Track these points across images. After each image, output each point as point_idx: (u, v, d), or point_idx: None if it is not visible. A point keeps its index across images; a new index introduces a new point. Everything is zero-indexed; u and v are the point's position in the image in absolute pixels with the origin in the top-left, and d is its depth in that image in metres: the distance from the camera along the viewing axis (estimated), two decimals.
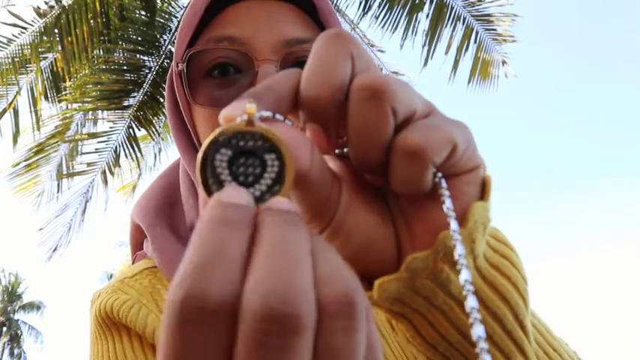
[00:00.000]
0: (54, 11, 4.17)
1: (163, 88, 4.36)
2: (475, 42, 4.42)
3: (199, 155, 0.20)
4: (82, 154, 4.55)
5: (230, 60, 0.46)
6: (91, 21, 4.16)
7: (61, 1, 4.18)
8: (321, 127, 0.24)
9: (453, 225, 0.23)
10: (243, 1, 0.49)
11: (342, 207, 0.25)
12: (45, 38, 4.23)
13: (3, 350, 20.25)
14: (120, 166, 4.58)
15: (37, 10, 4.19)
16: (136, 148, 4.49)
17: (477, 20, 4.38)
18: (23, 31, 4.24)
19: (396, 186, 0.24)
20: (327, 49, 0.23)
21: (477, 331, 0.19)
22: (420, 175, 0.23)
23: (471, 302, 0.20)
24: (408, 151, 0.22)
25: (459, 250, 0.22)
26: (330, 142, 0.24)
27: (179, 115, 0.52)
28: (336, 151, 0.26)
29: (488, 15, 4.39)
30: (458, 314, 0.25)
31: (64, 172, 4.57)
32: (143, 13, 4.45)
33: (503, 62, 4.46)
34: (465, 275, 0.21)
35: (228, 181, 0.20)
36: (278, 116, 0.22)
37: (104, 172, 4.53)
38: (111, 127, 4.44)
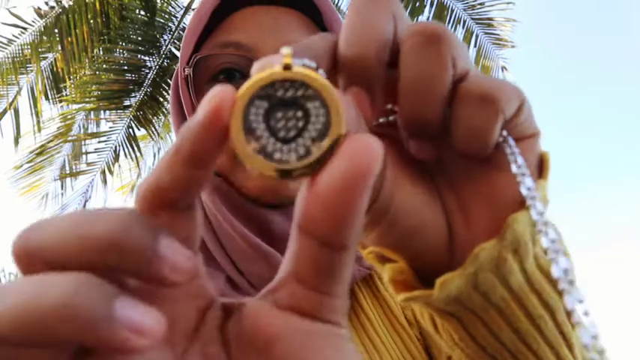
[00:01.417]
0: (54, 11, 4.17)
1: (163, 88, 4.37)
2: (475, 46, 4.42)
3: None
4: (87, 153, 4.54)
5: (236, 65, 0.47)
6: (91, 21, 4.15)
7: (61, 2, 4.18)
8: (364, 90, 0.21)
9: (529, 182, 0.20)
10: (248, 7, 0.49)
11: (387, 186, 0.22)
12: (45, 38, 4.23)
13: None
14: (120, 166, 4.58)
15: (37, 10, 4.19)
16: (135, 148, 4.49)
17: (477, 24, 4.39)
18: (23, 31, 4.24)
19: (460, 141, 0.21)
20: (368, 5, 0.21)
21: (562, 265, 0.18)
22: (491, 125, 0.20)
23: (563, 263, 0.18)
24: (480, 95, 0.20)
25: (539, 208, 0.20)
26: (373, 108, 0.21)
27: (184, 119, 0.53)
28: (380, 120, 0.23)
29: (489, 19, 4.39)
30: (514, 310, 0.23)
31: (67, 173, 4.57)
32: (143, 13, 4.45)
33: (503, 68, 4.46)
34: (551, 235, 0.19)
35: (265, 137, 0.16)
36: (321, 72, 0.19)
37: (103, 172, 4.52)
38: (111, 127, 4.44)
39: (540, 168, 0.23)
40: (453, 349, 0.26)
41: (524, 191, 0.21)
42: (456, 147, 0.21)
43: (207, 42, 0.50)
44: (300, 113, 0.17)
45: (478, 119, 0.20)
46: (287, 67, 0.17)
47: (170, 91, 0.55)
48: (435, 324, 0.26)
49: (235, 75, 0.47)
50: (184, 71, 0.49)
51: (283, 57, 0.17)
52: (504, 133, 0.22)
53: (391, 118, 0.23)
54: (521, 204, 0.22)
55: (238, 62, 0.47)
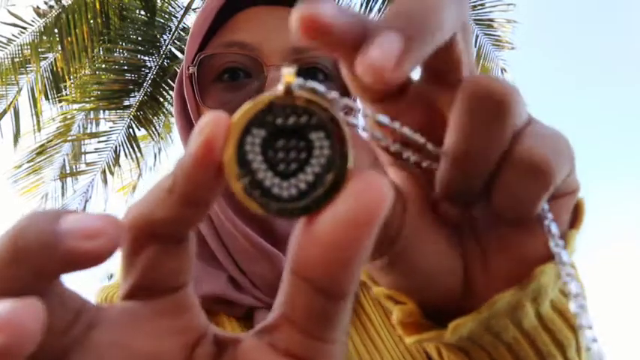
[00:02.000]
0: (54, 11, 4.17)
1: (163, 88, 4.36)
2: (475, 46, 4.42)
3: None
4: (85, 153, 4.54)
5: (240, 64, 0.47)
6: (91, 21, 4.15)
7: (60, 1, 4.18)
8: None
9: (565, 256, 0.20)
10: (252, 7, 0.50)
11: (407, 233, 0.20)
12: (45, 38, 4.23)
13: None
14: (120, 166, 4.58)
15: (36, 10, 4.19)
16: (135, 148, 4.49)
17: (478, 24, 4.39)
18: (23, 31, 4.23)
19: (502, 207, 0.19)
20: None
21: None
22: (539, 196, 0.19)
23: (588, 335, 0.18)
24: (532, 165, 0.18)
25: (574, 289, 0.19)
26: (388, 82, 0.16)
27: (187, 118, 0.53)
28: (410, 157, 0.20)
29: (490, 20, 4.39)
30: (524, 346, 0.23)
31: (67, 172, 4.57)
32: (143, 13, 4.45)
33: (503, 70, 4.46)
34: (582, 319, 0.19)
35: (262, 170, 0.15)
36: (334, 94, 0.16)
37: (104, 172, 4.52)
38: (111, 127, 4.44)
39: (574, 214, 0.22)
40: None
41: (561, 272, 0.20)
42: (495, 210, 0.20)
43: (212, 41, 0.50)
44: (302, 144, 0.15)
45: (527, 190, 0.19)
46: (288, 91, 0.15)
47: (174, 90, 0.55)
48: (439, 353, 0.25)
49: (239, 74, 0.47)
50: (189, 70, 0.49)
51: (285, 77, 0.15)
52: None
53: (415, 158, 0.20)
54: (546, 260, 0.21)
55: (242, 61, 0.47)
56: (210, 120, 0.14)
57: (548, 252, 0.20)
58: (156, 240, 0.15)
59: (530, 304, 0.21)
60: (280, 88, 0.15)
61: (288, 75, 0.15)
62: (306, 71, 0.47)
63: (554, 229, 0.20)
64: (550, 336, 0.23)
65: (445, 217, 0.21)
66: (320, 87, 0.16)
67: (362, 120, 0.20)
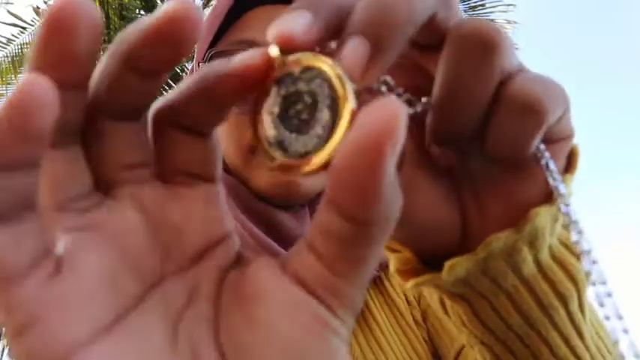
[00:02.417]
0: None
1: (163, 88, 4.36)
2: None
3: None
4: None
5: None
6: None
7: None
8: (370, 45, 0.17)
9: (562, 189, 0.20)
10: (261, 6, 0.50)
11: (404, 183, 0.21)
12: None
13: (3, 350, 20.16)
14: None
15: (36, 9, 4.19)
16: None
17: None
18: (23, 30, 4.24)
19: (495, 147, 0.19)
20: None
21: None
22: (533, 134, 0.19)
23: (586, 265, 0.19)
24: (525, 103, 0.18)
25: (572, 217, 0.20)
26: (373, 66, 0.17)
27: None
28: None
29: (490, 21, 4.40)
30: (523, 295, 0.23)
31: None
32: (143, 13, 4.46)
33: None
34: (584, 246, 0.19)
35: (286, 140, 0.16)
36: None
37: None
38: None
39: (568, 160, 0.22)
40: (461, 331, 0.26)
41: (563, 209, 0.20)
42: (488, 152, 0.20)
43: (222, 40, 0.51)
44: (309, 99, 0.16)
45: (520, 128, 0.19)
46: (281, 63, 0.16)
47: None
48: (443, 305, 0.25)
49: None
50: (199, 66, 0.50)
51: (276, 59, 0.16)
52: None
53: (414, 108, 0.20)
54: (541, 203, 0.21)
55: None
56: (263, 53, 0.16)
57: (543, 195, 0.21)
58: (176, 126, 0.16)
59: (527, 248, 0.21)
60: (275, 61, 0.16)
61: (271, 53, 0.16)
62: None
63: (552, 165, 0.20)
64: (550, 286, 0.23)
65: (438, 161, 0.22)
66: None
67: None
